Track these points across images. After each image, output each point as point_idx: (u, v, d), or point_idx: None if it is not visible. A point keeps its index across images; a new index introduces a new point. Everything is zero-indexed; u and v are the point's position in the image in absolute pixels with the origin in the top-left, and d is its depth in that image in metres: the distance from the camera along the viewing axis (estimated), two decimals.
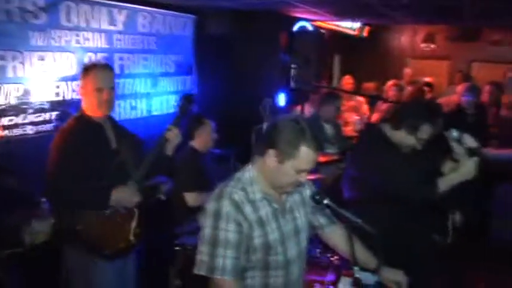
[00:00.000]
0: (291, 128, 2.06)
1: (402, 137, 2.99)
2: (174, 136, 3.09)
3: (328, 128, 5.37)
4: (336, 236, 2.53)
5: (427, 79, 8.98)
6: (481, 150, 2.83)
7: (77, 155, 2.82)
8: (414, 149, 3.05)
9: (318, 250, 4.50)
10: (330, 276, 3.82)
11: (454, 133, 2.86)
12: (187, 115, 3.29)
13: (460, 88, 6.07)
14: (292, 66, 6.03)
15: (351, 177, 3.09)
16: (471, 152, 2.82)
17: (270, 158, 2.10)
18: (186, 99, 3.14)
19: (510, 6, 5.04)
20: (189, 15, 5.74)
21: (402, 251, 2.98)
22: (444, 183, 2.86)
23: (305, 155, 2.05)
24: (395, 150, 2.99)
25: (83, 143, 2.87)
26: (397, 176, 2.88)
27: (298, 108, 6.06)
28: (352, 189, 3.09)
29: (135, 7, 4.90)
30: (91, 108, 2.98)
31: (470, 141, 2.82)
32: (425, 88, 7.92)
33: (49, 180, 2.88)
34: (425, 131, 2.95)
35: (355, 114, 6.95)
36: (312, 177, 4.52)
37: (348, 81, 7.80)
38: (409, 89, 7.81)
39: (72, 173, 2.79)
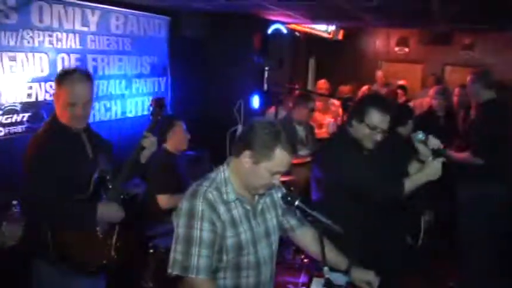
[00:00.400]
0: (267, 130, 2.11)
1: (356, 131, 3.01)
2: (150, 143, 3.04)
3: (300, 130, 5.42)
4: (306, 237, 2.54)
5: (401, 82, 9.10)
6: (446, 152, 2.92)
7: (56, 167, 2.68)
8: (379, 149, 3.08)
9: (291, 252, 4.59)
10: (302, 278, 3.89)
11: (420, 135, 2.93)
12: (160, 119, 3.25)
13: (431, 91, 6.19)
14: (266, 68, 6.06)
15: (316, 178, 3.12)
16: (436, 153, 2.90)
17: (246, 159, 2.13)
18: (157, 104, 3.11)
19: (479, 11, 5.16)
20: (163, 16, 5.74)
21: (373, 251, 3.03)
22: (409, 183, 2.91)
23: (280, 157, 2.09)
24: (357, 151, 3.02)
25: (61, 153, 2.72)
26: (358, 177, 2.91)
27: (272, 110, 6.09)
28: (319, 190, 3.12)
29: (108, 8, 4.87)
30: (64, 118, 2.83)
31: (435, 142, 2.90)
32: (399, 91, 8.03)
33: (27, 194, 2.75)
34: (373, 116, 2.93)
35: (329, 117, 7.01)
36: (284, 179, 4.61)
37: (322, 85, 7.86)
38: (382, 91, 7.94)
39: (52, 187, 2.65)
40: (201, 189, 2.14)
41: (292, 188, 4.54)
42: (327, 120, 6.95)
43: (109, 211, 2.83)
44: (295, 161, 4.77)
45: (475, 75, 4.66)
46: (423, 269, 4.67)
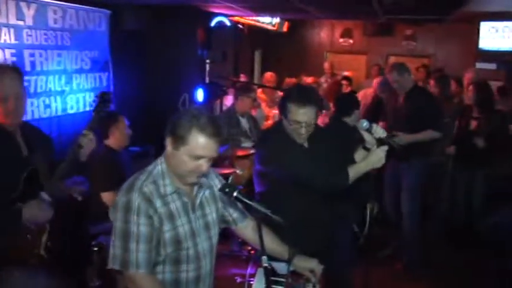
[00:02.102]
0: (185, 114, 2.11)
1: (285, 125, 3.05)
2: (88, 142, 2.99)
3: (244, 122, 5.46)
4: (248, 229, 2.56)
5: (346, 73, 9.27)
6: (391, 140, 2.95)
7: None
8: (322, 139, 3.14)
9: (238, 244, 4.64)
10: (250, 269, 3.92)
11: (364, 123, 2.94)
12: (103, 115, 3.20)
13: (375, 81, 6.37)
14: (208, 61, 6.08)
15: (257, 171, 3.16)
16: (380, 142, 2.94)
17: (168, 146, 2.15)
18: (102, 98, 3.05)
19: (416, 2, 5.34)
20: (103, 10, 5.64)
21: (321, 241, 3.12)
22: (354, 171, 2.94)
23: (196, 140, 2.07)
24: (292, 143, 3.05)
25: None
26: (296, 168, 2.95)
27: (217, 102, 6.13)
28: (261, 183, 3.16)
29: (45, 1, 4.76)
30: None
31: (379, 131, 2.93)
32: (343, 82, 8.19)
33: None
34: (293, 111, 2.93)
35: (274, 109, 7.07)
36: (227, 171, 4.67)
37: (269, 78, 7.92)
38: (326, 83, 8.08)
39: None
40: (137, 182, 2.13)
41: (230, 179, 4.62)
42: (272, 112, 7.01)
43: (34, 212, 2.78)
44: (239, 153, 4.84)
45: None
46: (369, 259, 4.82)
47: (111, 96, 3.19)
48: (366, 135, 2.97)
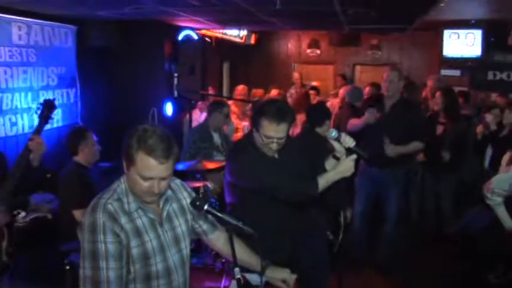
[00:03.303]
0: (133, 133, 2.07)
1: (256, 137, 3.05)
2: (36, 145, 3.02)
3: (217, 137, 5.48)
4: (220, 241, 2.55)
5: (314, 83, 9.36)
6: (359, 149, 2.95)
7: None
8: (293, 150, 3.18)
9: (211, 256, 4.62)
10: (224, 282, 3.93)
11: (333, 133, 2.95)
12: (49, 121, 3.29)
13: (342, 91, 6.46)
14: (175, 75, 6.08)
15: (228, 183, 3.17)
16: (349, 151, 2.96)
17: (123, 165, 2.13)
18: (46, 105, 3.09)
19: (378, 14, 5.45)
20: (69, 25, 5.62)
21: (296, 250, 3.17)
22: (323, 181, 2.94)
23: (144, 161, 2.04)
24: (262, 154, 3.06)
25: None
26: (266, 179, 2.97)
27: (186, 116, 6.13)
28: (231, 194, 3.18)
29: (8, 17, 4.71)
30: None
31: (348, 140, 2.93)
32: (311, 92, 8.26)
33: None
34: (266, 128, 2.94)
35: (245, 121, 7.09)
36: (197, 184, 4.68)
37: (241, 91, 7.90)
38: (294, 92, 8.12)
39: None
40: (101, 201, 2.12)
41: (201, 192, 4.61)
42: (242, 124, 7.03)
43: None
44: (211, 166, 4.85)
45: None
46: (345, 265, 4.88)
47: (54, 103, 3.27)
48: (335, 145, 2.98)
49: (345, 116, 5.87)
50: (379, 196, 5.12)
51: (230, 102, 7.13)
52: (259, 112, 2.99)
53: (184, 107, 6.40)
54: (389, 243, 5.15)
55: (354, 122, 5.00)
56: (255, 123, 3.00)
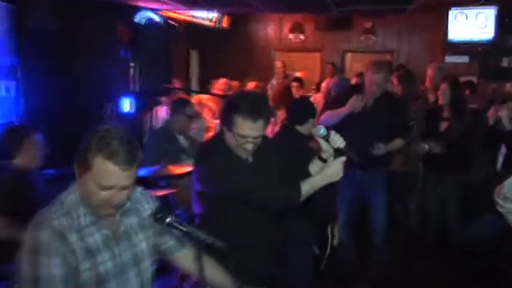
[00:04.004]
0: (93, 135, 2.07)
1: (228, 138, 3.05)
2: None
3: (182, 139, 5.47)
4: (187, 259, 2.51)
5: (297, 74, 9.40)
6: (349, 151, 2.96)
7: None
8: (270, 151, 3.18)
9: (177, 277, 4.60)
10: None
11: (321, 130, 2.94)
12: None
13: (325, 84, 6.49)
14: (135, 65, 6.02)
15: (196, 191, 3.15)
16: (338, 152, 2.95)
17: (75, 170, 2.11)
18: None
19: None
20: (4, 4, 5.49)
21: (269, 263, 3.16)
22: (307, 186, 2.94)
23: (102, 167, 2.02)
24: (235, 157, 3.06)
25: None
26: (240, 184, 2.96)
27: (148, 114, 6.10)
28: (200, 204, 3.16)
29: None
30: None
31: (337, 140, 2.92)
32: (294, 84, 8.28)
33: None
34: (240, 126, 2.92)
35: (216, 119, 7.04)
36: (162, 193, 4.65)
37: (222, 85, 7.78)
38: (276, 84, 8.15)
39: None
40: (45, 216, 2.08)
41: (162, 202, 4.59)
42: (214, 122, 6.98)
43: None
44: (178, 171, 4.82)
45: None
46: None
47: None
48: (323, 144, 2.98)
49: None
50: (364, 202, 5.26)
51: (207, 97, 7.12)
52: (230, 108, 2.96)
53: (145, 103, 6.36)
54: (380, 256, 5.25)
55: (328, 115, 5.06)
56: (226, 121, 2.97)
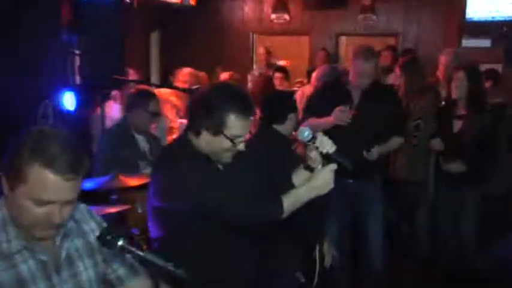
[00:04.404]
0: (25, 138, 2.05)
1: (209, 144, 3.05)
2: None
3: (141, 140, 5.47)
4: None
5: (281, 62, 9.43)
6: (341, 156, 2.98)
7: None
8: (239, 158, 3.17)
9: None
10: None
11: (306, 133, 2.97)
12: None
13: (316, 74, 6.49)
14: (78, 52, 5.98)
15: (154, 208, 3.13)
16: (327, 158, 2.98)
17: (3, 183, 2.08)
18: None
19: None
20: None
21: None
22: (291, 200, 2.95)
23: (40, 177, 2.00)
24: (205, 165, 3.09)
25: None
26: (210, 199, 2.95)
27: (96, 112, 6.07)
28: (159, 224, 3.15)
29: None
30: None
31: (326, 143, 2.95)
32: (277, 75, 8.29)
33: None
34: (234, 125, 2.95)
35: (180, 117, 7.05)
36: (115, 209, 4.64)
37: (187, 76, 7.73)
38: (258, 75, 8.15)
39: None
40: None
41: (113, 222, 4.58)
42: (179, 122, 6.97)
43: None
44: (136, 183, 4.80)
45: None
46: None
47: None
48: (309, 150, 3.02)
49: None
50: (357, 217, 5.35)
51: (169, 91, 7.13)
52: (223, 104, 2.96)
53: (92, 98, 6.32)
54: (380, 286, 5.32)
55: (313, 123, 4.99)
56: (213, 123, 2.97)
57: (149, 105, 5.40)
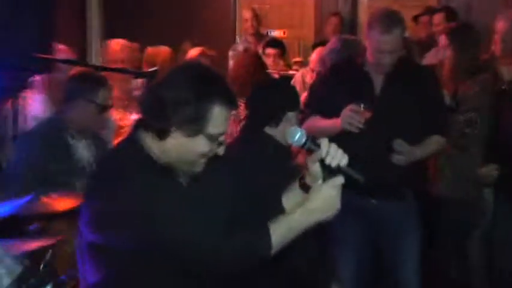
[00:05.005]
0: None
1: (178, 149, 3.06)
2: None
3: (82, 148, 5.49)
4: None
5: (275, 32, 9.47)
6: (352, 170, 2.96)
7: None
8: (212, 172, 3.18)
9: None
10: None
11: (297, 135, 2.98)
12: None
13: (318, 52, 6.51)
14: None
15: (89, 244, 3.09)
16: (331, 170, 2.96)
17: None
18: None
19: None
20: None
21: None
22: (282, 230, 2.96)
23: None
24: (163, 177, 3.07)
25: None
26: (171, 226, 2.91)
27: (8, 106, 6.07)
28: (95, 266, 3.11)
29: None
30: None
31: (332, 151, 2.93)
32: (269, 51, 8.31)
33: None
34: (217, 117, 2.97)
35: (134, 115, 7.05)
36: (33, 244, 4.62)
37: (119, 52, 7.82)
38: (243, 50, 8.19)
39: None
40: None
41: (32, 263, 4.57)
42: (130, 119, 6.98)
43: None
44: (60, 207, 4.79)
45: None
46: None
47: None
48: (311, 162, 3.02)
49: None
50: (382, 253, 5.33)
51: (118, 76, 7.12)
52: (196, 95, 2.96)
53: (4, 86, 6.32)
54: None
55: (315, 125, 5.09)
56: (186, 119, 2.96)
57: (98, 94, 5.38)
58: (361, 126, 4.77)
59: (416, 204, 5.31)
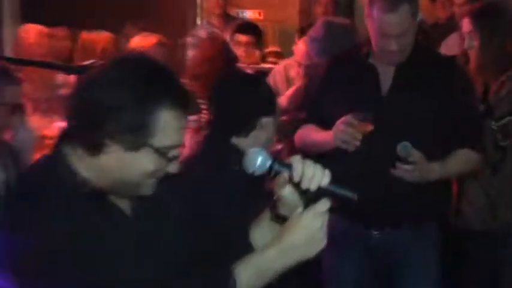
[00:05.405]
0: None
1: (120, 165, 3.00)
2: None
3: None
4: None
5: (248, 14, 9.50)
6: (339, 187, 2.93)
7: None
8: (161, 196, 3.14)
9: None
10: None
11: (258, 160, 2.96)
12: None
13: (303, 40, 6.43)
14: None
15: None
16: (310, 196, 2.97)
17: None
18: None
19: None
20: None
21: None
22: (248, 275, 2.99)
23: None
24: (97, 204, 3.00)
25: None
26: (105, 272, 2.85)
27: None
28: None
29: None
30: None
31: (310, 172, 2.91)
32: (241, 38, 8.26)
33: None
34: (168, 124, 2.95)
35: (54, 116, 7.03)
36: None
37: (33, 36, 7.94)
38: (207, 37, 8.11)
39: None
40: None
41: None
42: (55, 127, 6.92)
43: None
44: None
45: None
46: None
47: None
48: (280, 186, 3.05)
49: None
50: None
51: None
52: (138, 96, 2.92)
53: None
54: None
55: (314, 137, 5.14)
56: (125, 128, 2.91)
57: (6, 91, 5.37)
58: (357, 143, 4.75)
59: (438, 236, 5.29)
